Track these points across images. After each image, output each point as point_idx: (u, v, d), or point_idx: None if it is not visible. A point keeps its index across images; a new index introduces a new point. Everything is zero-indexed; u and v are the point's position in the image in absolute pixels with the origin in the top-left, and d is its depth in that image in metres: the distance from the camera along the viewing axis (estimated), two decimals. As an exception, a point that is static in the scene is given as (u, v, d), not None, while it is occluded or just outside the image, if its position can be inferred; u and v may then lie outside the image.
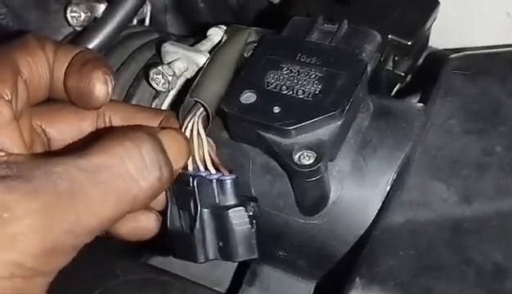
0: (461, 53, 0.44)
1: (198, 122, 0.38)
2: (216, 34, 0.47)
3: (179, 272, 0.45)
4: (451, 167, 0.38)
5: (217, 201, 0.37)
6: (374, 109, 0.42)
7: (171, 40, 0.47)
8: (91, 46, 0.49)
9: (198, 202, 0.37)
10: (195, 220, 0.37)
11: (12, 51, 0.34)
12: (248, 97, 0.38)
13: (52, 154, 0.32)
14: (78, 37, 0.52)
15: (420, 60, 0.53)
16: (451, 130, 0.39)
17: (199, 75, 0.42)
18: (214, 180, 0.37)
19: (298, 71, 0.39)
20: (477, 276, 0.33)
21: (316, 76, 0.38)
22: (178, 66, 0.44)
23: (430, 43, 0.53)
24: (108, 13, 0.51)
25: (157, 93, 0.47)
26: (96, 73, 0.35)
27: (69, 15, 0.55)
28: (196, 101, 0.39)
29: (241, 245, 0.37)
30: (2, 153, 0.31)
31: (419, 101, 0.49)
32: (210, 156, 0.38)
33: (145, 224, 0.36)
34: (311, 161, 0.36)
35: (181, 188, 0.37)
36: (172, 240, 0.38)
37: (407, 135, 0.40)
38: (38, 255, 0.28)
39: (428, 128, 0.40)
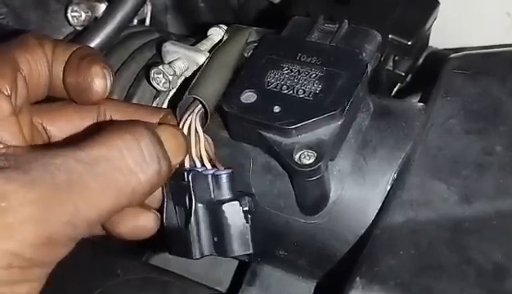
0: (461, 53, 0.44)
1: (196, 119, 0.38)
2: (216, 34, 0.47)
3: (179, 271, 0.45)
4: (452, 166, 0.38)
5: (212, 196, 0.37)
6: (374, 108, 0.42)
7: (171, 40, 0.47)
8: (91, 45, 0.49)
9: (193, 196, 0.37)
10: (190, 215, 0.37)
11: (12, 49, 0.34)
12: (248, 97, 0.38)
13: (51, 147, 0.32)
14: (79, 36, 0.52)
15: (421, 60, 0.53)
16: (452, 130, 0.39)
17: (199, 73, 0.42)
18: (210, 175, 0.37)
19: (299, 71, 0.39)
20: (477, 276, 0.33)
21: (317, 76, 0.39)
22: (179, 66, 0.44)
23: (430, 43, 0.53)
24: (108, 13, 0.51)
25: (158, 93, 0.47)
26: (95, 68, 0.35)
27: (69, 15, 0.55)
28: (195, 98, 0.39)
29: (236, 240, 0.37)
30: (1, 146, 0.32)
31: (419, 101, 0.49)
32: (207, 152, 0.38)
33: (145, 223, 0.36)
34: (311, 160, 0.36)
35: (177, 183, 0.37)
36: (168, 236, 0.38)
37: (407, 134, 0.40)
38: (35, 245, 0.28)
39: (428, 128, 0.40)
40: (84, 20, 0.55)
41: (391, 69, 0.50)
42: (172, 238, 0.38)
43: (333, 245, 0.41)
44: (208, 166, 0.38)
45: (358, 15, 0.44)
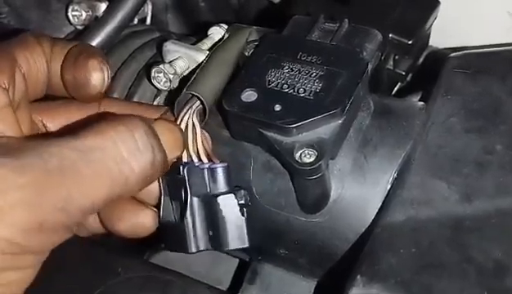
0: (461, 52, 0.44)
1: (193, 115, 0.38)
2: (217, 33, 0.47)
3: (180, 270, 0.45)
4: (452, 165, 0.38)
5: (208, 190, 0.37)
6: (374, 107, 0.42)
7: (172, 39, 0.47)
8: (92, 44, 0.49)
9: (188, 189, 0.37)
10: (186, 209, 0.37)
11: (11, 47, 0.34)
12: (249, 95, 0.38)
13: (46, 137, 0.32)
14: (80, 36, 0.52)
15: (421, 59, 0.53)
16: (452, 128, 0.39)
17: (198, 70, 0.42)
18: (205, 169, 0.37)
19: (299, 70, 0.39)
20: (478, 274, 0.33)
21: (317, 74, 0.39)
22: (180, 65, 0.44)
23: (431, 43, 0.53)
24: (109, 12, 0.51)
25: (158, 92, 0.47)
26: (92, 62, 0.35)
27: (70, 14, 0.55)
28: (193, 95, 0.40)
29: (231, 233, 0.36)
30: None
31: (419, 100, 0.49)
32: (204, 148, 0.38)
33: (144, 220, 0.37)
34: (312, 159, 0.36)
35: (173, 177, 0.37)
36: (164, 231, 0.38)
37: (408, 133, 0.41)
38: (27, 230, 0.28)
39: (428, 127, 0.40)
40: (85, 19, 0.55)
41: (391, 68, 0.50)
42: (168, 233, 0.38)
43: (333, 243, 0.41)
44: (205, 161, 0.38)
45: (358, 14, 0.44)
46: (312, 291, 0.45)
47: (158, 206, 0.38)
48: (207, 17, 0.65)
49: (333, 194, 0.40)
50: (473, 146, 0.38)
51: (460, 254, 0.34)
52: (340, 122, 0.37)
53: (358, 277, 0.34)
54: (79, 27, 0.56)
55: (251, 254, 0.48)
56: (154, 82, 0.45)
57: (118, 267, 0.44)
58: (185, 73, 0.45)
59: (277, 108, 0.37)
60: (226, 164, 0.37)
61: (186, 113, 0.39)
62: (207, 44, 0.46)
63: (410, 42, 0.46)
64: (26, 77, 0.34)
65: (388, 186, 0.39)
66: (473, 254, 0.34)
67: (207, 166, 0.37)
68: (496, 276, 0.33)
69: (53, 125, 0.37)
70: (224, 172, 0.37)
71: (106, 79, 0.36)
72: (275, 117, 0.37)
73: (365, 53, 0.40)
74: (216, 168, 0.37)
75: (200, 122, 0.39)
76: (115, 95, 0.49)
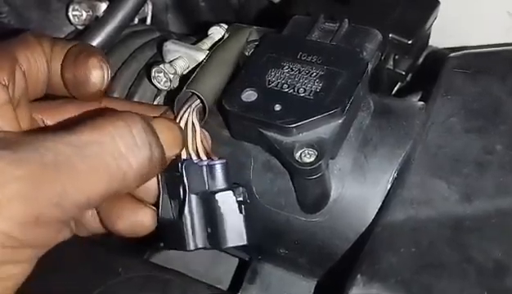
0: (461, 52, 0.44)
1: (193, 113, 0.39)
2: (217, 33, 0.47)
3: (180, 269, 0.45)
4: (452, 165, 0.38)
5: (206, 187, 0.37)
6: (374, 107, 0.42)
7: (172, 39, 0.47)
8: (92, 44, 0.49)
9: (186, 186, 0.37)
10: (184, 206, 0.37)
11: (11, 47, 0.35)
12: (249, 95, 0.38)
13: (43, 131, 0.32)
14: (80, 35, 0.52)
15: (421, 59, 0.53)
16: (452, 128, 0.39)
17: (198, 69, 0.42)
18: (204, 166, 0.37)
19: (299, 69, 0.39)
20: (477, 274, 0.33)
21: (317, 74, 0.39)
22: (180, 64, 0.45)
23: (430, 43, 0.53)
24: (109, 12, 0.51)
25: (159, 91, 0.47)
26: (91, 61, 0.35)
27: (70, 14, 0.55)
28: (193, 93, 0.40)
29: (230, 231, 0.36)
30: None
31: (419, 100, 0.49)
32: (203, 146, 0.38)
33: (143, 219, 0.37)
34: (312, 159, 0.36)
35: (172, 174, 0.37)
36: (162, 229, 0.38)
37: (408, 133, 0.41)
38: (24, 224, 0.28)
39: (428, 127, 0.40)
40: (85, 19, 0.55)
41: (391, 68, 0.50)
42: (166, 231, 0.38)
43: (333, 243, 0.41)
44: (204, 157, 0.38)
45: (358, 14, 0.44)
46: (312, 290, 0.45)
47: (157, 204, 0.38)
48: (207, 17, 0.65)
49: (333, 194, 0.40)
50: (473, 146, 0.38)
51: (460, 254, 0.34)
52: (340, 121, 0.37)
53: (358, 276, 0.34)
54: (80, 27, 0.56)
55: (251, 253, 0.48)
56: (155, 81, 0.45)
57: (118, 267, 0.44)
58: (185, 73, 0.45)
59: (277, 108, 0.37)
60: (224, 161, 0.37)
61: (185, 112, 0.39)
62: (207, 44, 0.46)
63: (410, 42, 0.46)
64: (26, 76, 0.35)
65: (388, 186, 0.39)
66: (473, 254, 0.34)
67: (205, 163, 0.37)
68: (496, 276, 0.33)
69: (53, 124, 0.37)
70: (223, 169, 0.37)
71: (106, 77, 0.36)
72: (275, 116, 0.37)
73: (365, 53, 0.40)
74: (214, 165, 0.37)
75: (200, 120, 0.39)
76: (116, 95, 0.49)
